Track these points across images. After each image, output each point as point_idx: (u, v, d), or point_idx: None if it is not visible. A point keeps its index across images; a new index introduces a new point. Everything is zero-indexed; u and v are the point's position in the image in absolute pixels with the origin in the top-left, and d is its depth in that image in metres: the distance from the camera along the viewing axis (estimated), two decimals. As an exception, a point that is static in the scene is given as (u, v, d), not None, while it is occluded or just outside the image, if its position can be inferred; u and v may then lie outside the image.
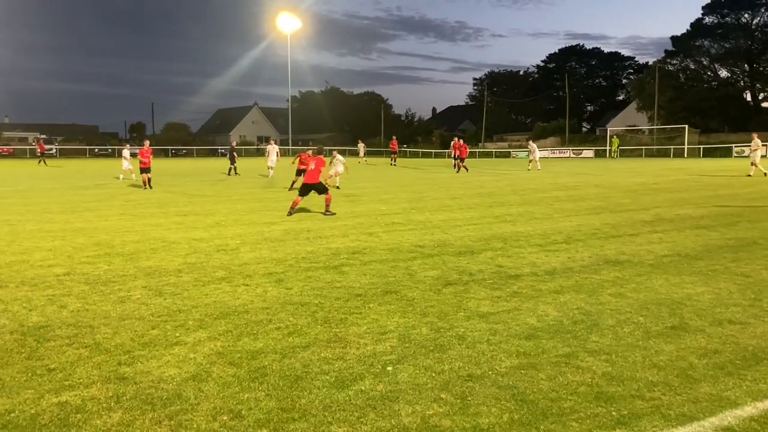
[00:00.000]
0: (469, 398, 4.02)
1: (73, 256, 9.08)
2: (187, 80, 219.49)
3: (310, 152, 20.77)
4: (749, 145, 26.99)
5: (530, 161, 36.43)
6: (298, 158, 20.74)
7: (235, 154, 32.22)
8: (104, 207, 16.07)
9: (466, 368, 4.53)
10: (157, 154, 39.22)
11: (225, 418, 3.76)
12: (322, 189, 14.05)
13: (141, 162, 22.14)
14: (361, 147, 53.25)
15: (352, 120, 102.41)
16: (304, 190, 14.07)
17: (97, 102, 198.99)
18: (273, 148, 28.91)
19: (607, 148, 59.42)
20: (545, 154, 58.08)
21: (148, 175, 22.13)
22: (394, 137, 49.51)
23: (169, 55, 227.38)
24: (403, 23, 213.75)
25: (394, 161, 46.37)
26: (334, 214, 13.78)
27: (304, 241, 10.26)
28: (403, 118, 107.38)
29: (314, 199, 14.97)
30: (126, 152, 27.90)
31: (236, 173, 30.74)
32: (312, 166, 14.16)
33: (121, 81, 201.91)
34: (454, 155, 34.16)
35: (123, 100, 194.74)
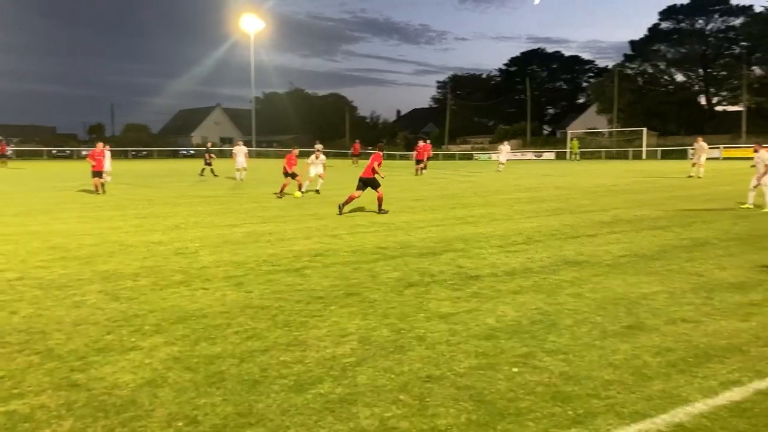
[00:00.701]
0: (428, 399, 4.03)
1: (26, 260, 8.83)
2: (149, 81, 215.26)
3: (295, 152, 20.23)
4: (694, 148, 27.75)
5: (499, 163, 36.28)
6: (286, 160, 19.69)
7: (207, 155, 30.08)
8: (61, 210, 15.68)
9: (426, 369, 4.54)
10: (116, 155, 38.08)
11: (180, 424, 3.70)
12: (375, 185, 14.44)
13: (92, 165, 20.74)
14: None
15: (316, 122, 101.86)
16: (362, 185, 14.49)
17: (55, 103, 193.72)
18: (240, 149, 27.05)
19: (568, 150, 60.33)
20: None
21: (101, 180, 20.81)
22: (357, 141, 49.96)
23: (131, 55, 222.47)
24: (367, 25, 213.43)
25: (356, 163, 46.47)
26: (386, 212, 14.29)
27: (265, 244, 10.16)
28: (367, 120, 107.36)
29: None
30: (107, 154, 26.86)
31: (202, 175, 28.93)
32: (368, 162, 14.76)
33: (80, 81, 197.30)
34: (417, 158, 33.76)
35: (82, 101, 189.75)
